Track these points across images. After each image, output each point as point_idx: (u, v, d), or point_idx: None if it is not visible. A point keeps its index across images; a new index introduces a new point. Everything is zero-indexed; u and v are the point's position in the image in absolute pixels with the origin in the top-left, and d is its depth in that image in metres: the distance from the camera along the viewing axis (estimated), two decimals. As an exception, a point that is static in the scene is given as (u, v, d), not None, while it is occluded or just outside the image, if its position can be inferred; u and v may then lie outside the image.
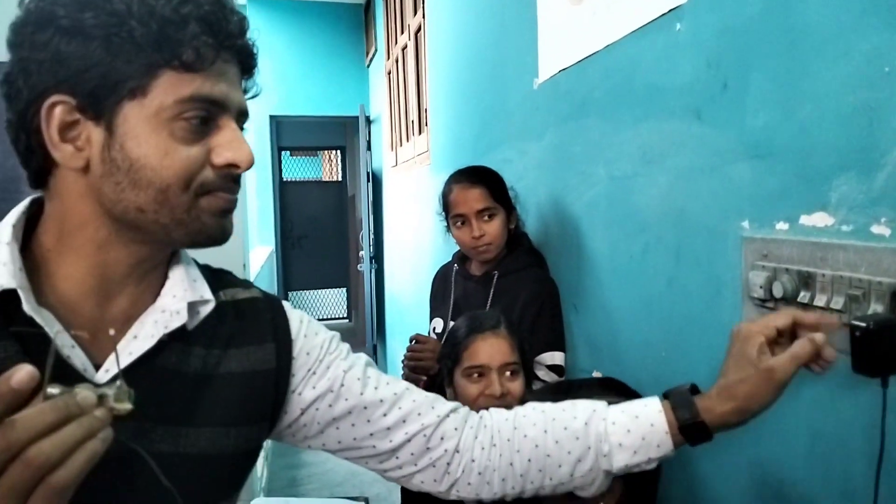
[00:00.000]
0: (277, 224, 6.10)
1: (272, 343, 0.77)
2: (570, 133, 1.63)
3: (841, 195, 0.85)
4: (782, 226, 0.95)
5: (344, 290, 8.43)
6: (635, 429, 0.77)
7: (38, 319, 0.59)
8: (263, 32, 5.81)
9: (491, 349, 1.28)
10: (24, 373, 0.45)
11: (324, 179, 10.91)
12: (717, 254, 1.10)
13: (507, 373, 1.28)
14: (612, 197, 1.44)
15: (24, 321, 0.60)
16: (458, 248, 1.85)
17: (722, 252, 1.09)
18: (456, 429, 0.82)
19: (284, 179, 8.23)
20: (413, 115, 3.71)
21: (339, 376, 0.80)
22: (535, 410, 0.83)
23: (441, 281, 1.94)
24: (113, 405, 0.50)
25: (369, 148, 5.26)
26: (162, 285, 0.71)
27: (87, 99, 0.62)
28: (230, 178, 0.67)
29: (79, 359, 0.63)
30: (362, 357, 0.85)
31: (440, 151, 3.12)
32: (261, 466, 3.39)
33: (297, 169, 10.48)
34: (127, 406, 0.50)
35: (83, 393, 0.48)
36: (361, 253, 5.33)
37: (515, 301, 1.67)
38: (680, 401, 0.77)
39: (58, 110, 0.62)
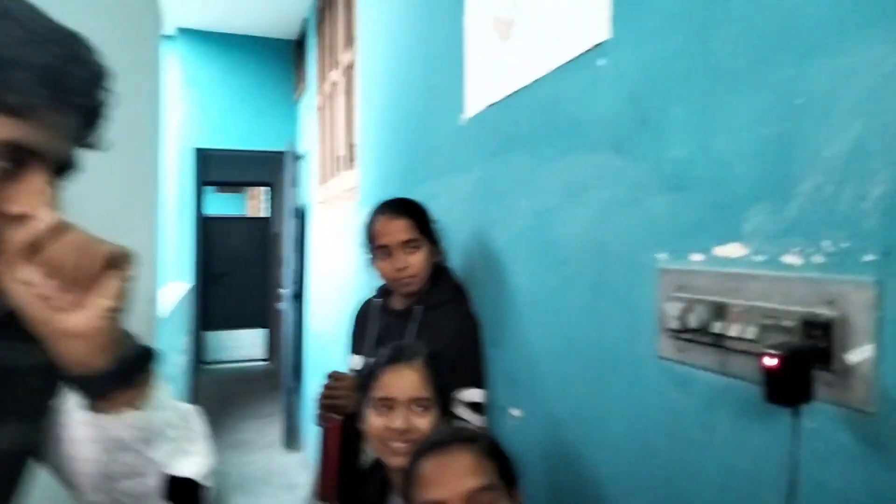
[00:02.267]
0: (197, 260, 5.90)
1: None
2: (497, 167, 1.63)
3: (754, 226, 0.86)
4: (697, 257, 0.96)
5: (265, 330, 8.19)
6: None
7: None
8: (192, 64, 5.73)
9: (401, 381, 1.24)
10: None
11: (249, 216, 10.69)
12: (634, 286, 1.10)
13: (417, 407, 1.24)
14: (535, 231, 1.44)
15: None
16: (380, 283, 1.81)
17: (639, 284, 1.09)
18: None
19: (207, 215, 8.03)
20: (342, 151, 3.68)
21: None
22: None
23: (362, 316, 1.89)
24: None
25: (296, 184, 5.18)
26: None
27: None
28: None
29: None
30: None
31: (368, 187, 3.09)
32: None
33: (222, 205, 10.26)
34: None
35: None
36: (282, 291, 5.19)
37: (437, 336, 1.63)
38: None
39: None
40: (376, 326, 1.79)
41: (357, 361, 1.80)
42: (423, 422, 1.24)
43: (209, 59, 5.45)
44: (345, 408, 1.61)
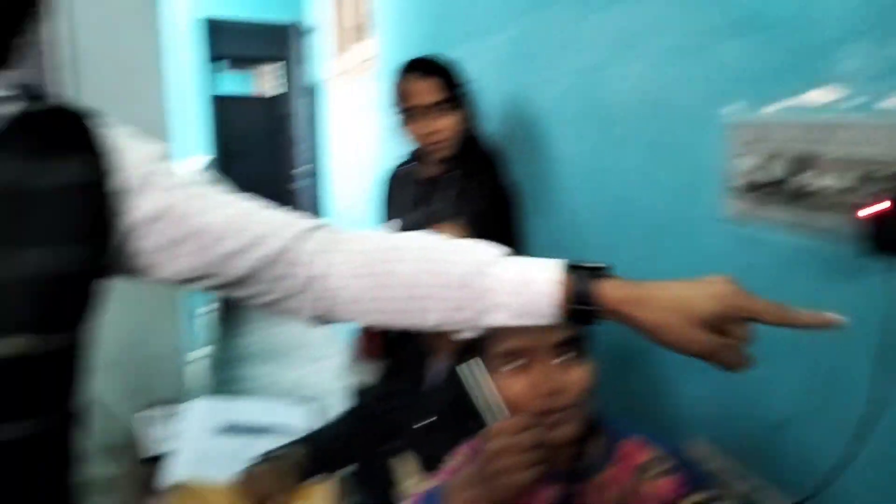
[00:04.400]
0: (213, 140, 5.79)
1: (92, 155, 0.66)
2: (535, 24, 1.51)
3: (849, 67, 0.77)
4: (775, 106, 0.88)
5: (280, 211, 8.17)
6: (523, 294, 0.68)
7: None
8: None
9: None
10: None
11: (258, 95, 10.42)
12: (698, 143, 1.02)
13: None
14: (580, 91, 1.35)
15: None
16: (409, 147, 1.73)
17: (703, 140, 1.01)
18: (312, 252, 0.72)
19: (219, 94, 7.80)
20: (358, 20, 3.49)
21: (170, 198, 0.69)
22: (410, 243, 0.74)
23: (391, 183, 1.82)
24: None
25: (306, 59, 4.97)
26: None
27: None
28: None
29: None
30: (204, 177, 0.75)
31: (389, 55, 2.94)
32: (201, 371, 3.27)
33: (230, 84, 9.98)
34: None
35: None
36: (298, 170, 5.11)
37: (472, 204, 1.57)
38: (579, 281, 0.66)
39: None
40: (407, 193, 1.73)
41: (394, 226, 1.75)
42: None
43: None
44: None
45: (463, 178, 1.60)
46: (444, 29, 2.18)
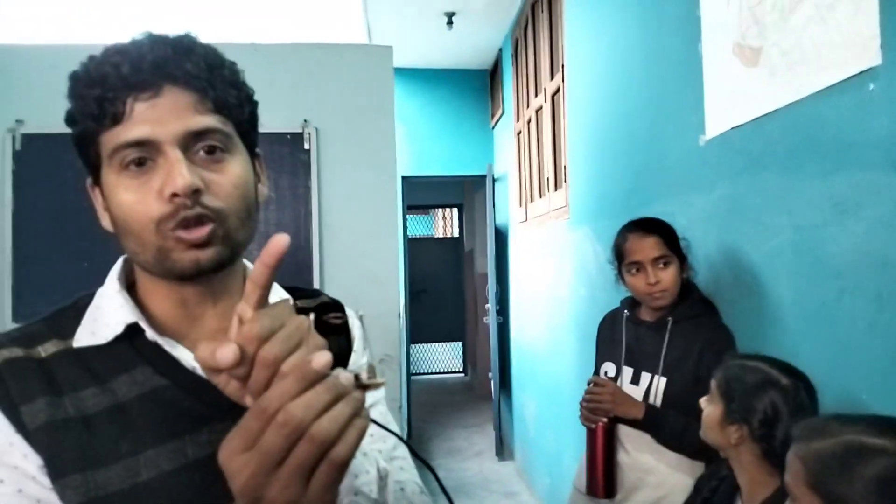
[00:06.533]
0: (406, 279, 6.36)
1: (347, 336, 0.87)
2: (745, 186, 1.72)
3: None
4: None
5: (459, 343, 8.59)
6: None
7: (162, 342, 0.71)
8: (400, 100, 6.14)
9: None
10: (326, 356, 0.50)
11: (437, 236, 11.23)
12: (928, 297, 1.15)
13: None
14: (798, 246, 1.51)
15: (149, 349, 0.71)
16: (619, 296, 1.94)
17: (934, 296, 1.13)
18: None
19: (408, 237, 8.61)
20: (548, 173, 3.87)
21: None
22: None
23: (609, 326, 2.03)
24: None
25: (488, 205, 5.46)
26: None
27: (90, 173, 0.73)
28: (183, 207, 0.67)
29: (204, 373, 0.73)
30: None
31: (581, 206, 3.25)
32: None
33: (412, 226, 10.93)
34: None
35: (344, 374, 0.52)
36: (487, 306, 5.47)
37: (691, 348, 1.74)
38: None
39: (95, 189, 0.74)
40: (627, 336, 1.92)
41: (610, 368, 1.94)
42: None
43: (414, 94, 5.91)
44: (608, 411, 1.78)
45: (679, 324, 1.79)
46: (643, 186, 2.44)
